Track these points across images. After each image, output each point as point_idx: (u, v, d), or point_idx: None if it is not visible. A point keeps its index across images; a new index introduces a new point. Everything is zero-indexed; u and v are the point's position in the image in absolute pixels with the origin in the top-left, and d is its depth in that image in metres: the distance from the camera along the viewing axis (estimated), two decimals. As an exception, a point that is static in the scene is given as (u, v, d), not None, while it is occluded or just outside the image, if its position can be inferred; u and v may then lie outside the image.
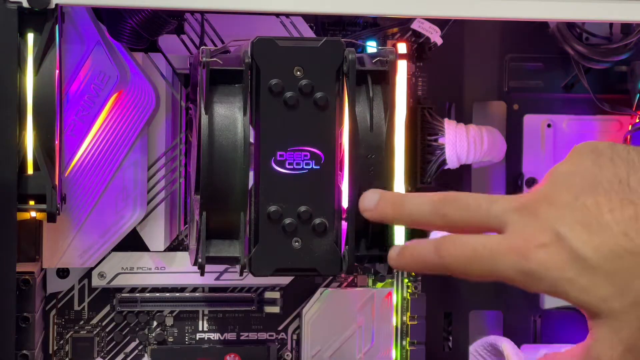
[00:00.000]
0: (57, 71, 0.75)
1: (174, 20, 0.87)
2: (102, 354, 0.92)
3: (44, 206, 0.75)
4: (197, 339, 0.93)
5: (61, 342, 0.91)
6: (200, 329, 0.93)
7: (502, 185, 0.99)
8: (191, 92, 0.84)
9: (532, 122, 0.98)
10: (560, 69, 0.98)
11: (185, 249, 0.91)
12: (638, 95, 0.96)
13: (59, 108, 0.76)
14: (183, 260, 0.90)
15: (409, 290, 0.95)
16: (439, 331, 0.97)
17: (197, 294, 0.92)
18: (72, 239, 0.87)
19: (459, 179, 0.96)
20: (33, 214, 0.78)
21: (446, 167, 0.92)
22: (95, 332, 0.92)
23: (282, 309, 0.93)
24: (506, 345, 0.95)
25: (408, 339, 0.95)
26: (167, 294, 0.92)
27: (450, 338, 0.97)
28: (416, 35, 0.92)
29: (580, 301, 0.55)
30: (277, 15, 0.89)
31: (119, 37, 0.84)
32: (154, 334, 0.92)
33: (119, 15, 0.83)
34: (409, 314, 0.94)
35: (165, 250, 0.90)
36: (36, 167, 0.74)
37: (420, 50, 0.93)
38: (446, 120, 0.92)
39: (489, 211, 0.58)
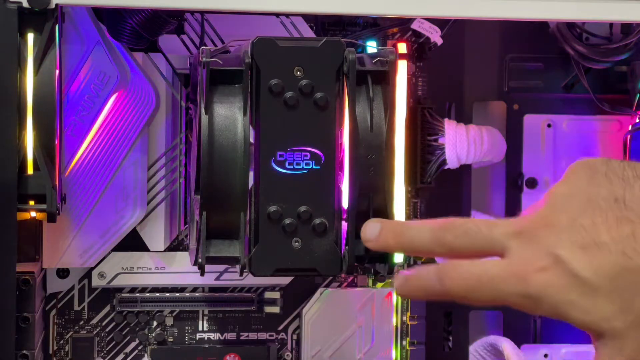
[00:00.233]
0: (57, 71, 0.75)
1: (174, 20, 0.87)
2: (102, 354, 0.92)
3: (44, 206, 0.75)
4: (197, 339, 0.93)
5: (61, 342, 0.91)
6: (200, 329, 0.93)
7: (502, 185, 0.99)
8: (191, 92, 0.84)
9: (532, 122, 0.98)
10: (560, 69, 0.98)
11: (185, 249, 0.91)
12: (638, 95, 0.96)
13: (59, 108, 0.76)
14: (183, 260, 0.90)
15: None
16: (439, 331, 0.97)
17: (197, 294, 0.92)
18: (72, 239, 0.87)
19: (459, 179, 0.96)
20: (33, 214, 0.78)
21: (446, 167, 0.92)
22: (95, 332, 0.92)
23: (282, 309, 0.93)
24: (506, 345, 0.95)
25: (408, 339, 0.95)
26: (167, 294, 0.92)
27: (450, 338, 0.97)
28: (416, 35, 0.92)
29: (583, 322, 0.55)
30: (277, 15, 0.89)
31: (119, 37, 0.84)
32: (154, 334, 0.92)
33: (119, 15, 0.83)
34: (409, 314, 0.94)
35: (165, 250, 0.90)
36: (36, 167, 0.74)
37: (420, 50, 0.93)
38: (446, 120, 0.92)
39: (489, 236, 0.59)
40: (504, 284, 0.57)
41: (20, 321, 0.82)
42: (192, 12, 0.89)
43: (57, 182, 0.75)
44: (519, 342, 0.97)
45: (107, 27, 0.84)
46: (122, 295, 0.91)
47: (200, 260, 0.74)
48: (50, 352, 0.91)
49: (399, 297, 0.94)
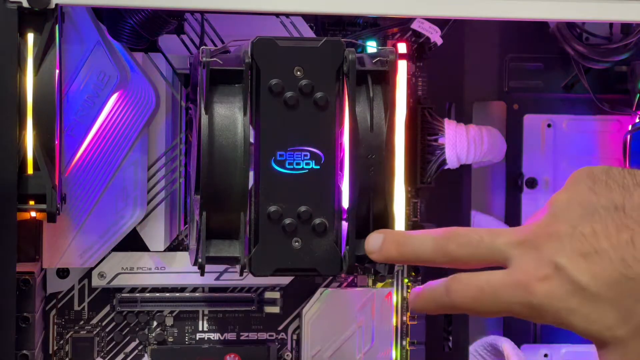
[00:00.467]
0: (57, 71, 0.75)
1: (174, 20, 0.87)
2: (102, 354, 0.92)
3: (44, 206, 0.75)
4: (197, 339, 0.93)
5: (61, 342, 0.91)
6: (200, 329, 0.93)
7: (502, 185, 0.99)
8: (191, 92, 0.84)
9: (532, 122, 0.98)
10: (560, 69, 0.98)
11: (185, 249, 0.91)
12: (638, 95, 0.96)
13: (59, 108, 0.76)
14: (183, 260, 0.90)
15: (409, 290, 0.95)
16: (439, 331, 0.97)
17: (197, 294, 0.92)
18: (72, 239, 0.87)
19: (459, 179, 0.96)
20: (33, 214, 0.78)
21: (446, 167, 0.92)
22: (95, 332, 0.92)
23: (282, 309, 0.93)
24: (506, 345, 0.95)
25: (408, 339, 0.95)
26: (167, 294, 0.92)
27: (450, 338, 0.97)
28: (416, 35, 0.92)
29: (586, 330, 0.55)
30: (277, 15, 0.89)
31: (119, 37, 0.84)
32: (154, 334, 0.92)
33: (119, 15, 0.83)
34: (409, 314, 0.94)
35: (165, 250, 0.90)
36: (36, 167, 0.74)
37: (420, 50, 0.93)
38: (446, 120, 0.92)
39: (492, 246, 0.59)
40: (507, 294, 0.57)
41: (20, 321, 0.82)
42: (192, 12, 0.89)
43: (57, 182, 0.75)
44: (519, 342, 0.97)
45: (107, 27, 0.84)
46: (122, 295, 0.91)
47: (200, 260, 0.74)
48: (50, 352, 0.91)
49: (399, 297, 0.94)
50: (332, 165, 0.74)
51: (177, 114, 0.90)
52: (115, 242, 0.88)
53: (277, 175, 0.74)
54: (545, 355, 0.99)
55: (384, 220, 0.75)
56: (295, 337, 0.94)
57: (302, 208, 0.74)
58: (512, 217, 0.99)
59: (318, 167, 0.74)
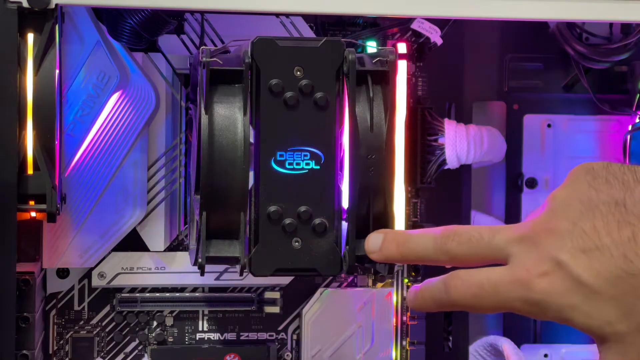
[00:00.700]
0: (57, 71, 0.75)
1: (174, 20, 0.87)
2: (102, 354, 0.92)
3: (44, 206, 0.75)
4: (197, 339, 0.93)
5: (61, 342, 0.91)
6: (200, 329, 0.93)
7: (502, 185, 0.99)
8: (191, 92, 0.84)
9: (532, 122, 0.98)
10: (560, 69, 0.98)
11: (185, 249, 0.91)
12: (638, 95, 0.96)
13: (59, 108, 0.76)
14: (183, 260, 0.90)
15: (408, 289, 0.95)
16: (439, 331, 0.97)
17: (197, 294, 0.92)
18: (72, 239, 0.87)
19: (459, 179, 0.96)
20: (33, 214, 0.78)
21: (446, 167, 0.92)
22: (95, 332, 0.92)
23: (282, 309, 0.93)
24: (506, 345, 0.95)
25: (408, 339, 0.95)
26: (167, 294, 0.92)
27: (450, 338, 0.97)
28: (416, 35, 0.92)
29: (587, 327, 0.55)
30: (277, 15, 0.89)
31: (119, 37, 0.84)
32: (154, 334, 0.92)
33: (119, 15, 0.83)
34: (409, 314, 0.94)
35: (165, 250, 0.90)
36: (36, 167, 0.74)
37: (420, 50, 0.93)
38: (446, 120, 0.92)
39: (491, 243, 0.59)
40: (507, 290, 0.57)
41: (20, 321, 0.82)
42: (192, 12, 0.89)
43: (57, 182, 0.75)
44: (519, 342, 0.97)
45: (107, 27, 0.84)
46: (122, 295, 0.91)
47: (200, 260, 0.74)
48: (50, 352, 0.91)
49: (399, 297, 0.94)
50: (332, 165, 0.74)
51: (177, 114, 0.90)
52: (115, 242, 0.88)
53: (277, 175, 0.73)
54: (545, 355, 0.99)
55: (384, 220, 0.75)
56: (295, 337, 0.94)
57: (302, 208, 0.74)
58: (512, 217, 0.99)
59: (318, 167, 0.74)
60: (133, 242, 0.89)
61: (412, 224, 0.94)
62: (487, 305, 0.58)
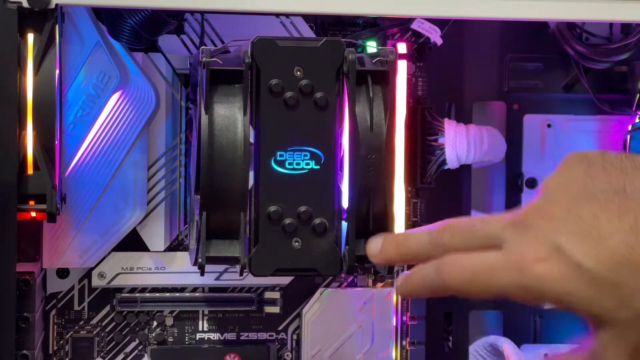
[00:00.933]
0: (57, 71, 0.75)
1: (174, 20, 0.87)
2: (102, 354, 0.92)
3: (44, 206, 0.75)
4: (197, 339, 0.93)
5: (61, 342, 0.91)
6: (200, 329, 0.93)
7: (502, 185, 0.99)
8: (191, 92, 0.84)
9: (532, 122, 0.98)
10: (560, 69, 0.98)
11: (185, 249, 0.91)
12: (638, 95, 0.96)
13: (59, 108, 0.76)
14: (183, 260, 0.90)
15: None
16: (439, 331, 0.97)
17: (197, 294, 0.92)
18: (72, 239, 0.87)
19: (459, 179, 0.96)
20: (33, 214, 0.78)
21: (446, 167, 0.92)
22: (95, 332, 0.92)
23: (282, 309, 0.93)
24: (506, 345, 0.95)
25: (408, 339, 0.95)
26: (167, 294, 0.92)
27: (450, 338, 0.97)
28: (416, 35, 0.92)
29: (586, 312, 0.55)
30: (277, 15, 0.89)
31: (119, 37, 0.84)
32: (154, 334, 0.92)
33: (119, 15, 0.83)
34: (409, 314, 0.94)
35: (165, 250, 0.90)
36: (36, 167, 0.74)
37: (420, 50, 0.93)
38: (446, 120, 0.92)
39: (485, 231, 0.59)
40: (502, 274, 0.56)
41: (20, 321, 0.82)
42: (192, 12, 0.89)
43: (57, 182, 0.75)
44: (519, 342, 0.97)
45: (107, 27, 0.84)
46: (122, 295, 0.91)
47: (200, 260, 0.74)
48: (50, 352, 0.91)
49: (399, 297, 0.94)
50: (332, 165, 0.74)
51: (177, 114, 0.90)
52: (115, 242, 0.88)
53: (277, 175, 0.73)
54: (546, 355, 0.99)
55: (384, 220, 0.75)
56: (295, 337, 0.94)
57: (302, 208, 0.74)
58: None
59: (318, 167, 0.74)
60: (133, 242, 0.89)
61: (412, 224, 0.94)
62: (480, 290, 0.58)
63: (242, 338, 0.94)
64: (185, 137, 0.90)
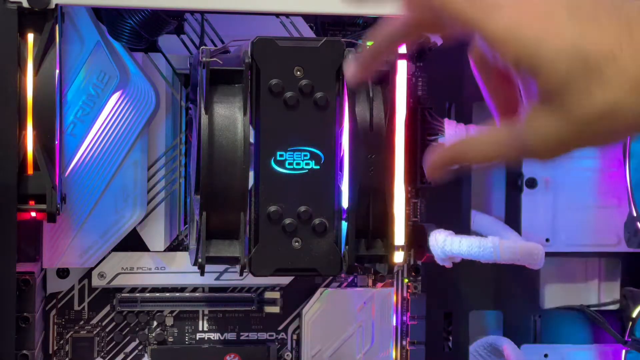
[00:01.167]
0: (57, 71, 0.75)
1: (174, 20, 0.87)
2: (102, 354, 0.92)
3: (44, 206, 0.75)
4: (197, 339, 0.93)
5: (61, 342, 0.91)
6: (200, 329, 0.93)
7: (502, 185, 0.99)
8: (191, 92, 0.84)
9: (532, 122, 0.98)
10: (560, 69, 0.97)
11: (185, 249, 0.91)
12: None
13: (59, 108, 0.76)
14: (183, 260, 0.90)
15: (409, 290, 0.95)
16: (439, 331, 0.97)
17: (197, 294, 0.92)
18: (72, 239, 0.87)
19: (459, 179, 0.96)
20: (33, 214, 0.78)
21: (446, 167, 0.91)
22: (95, 332, 0.92)
23: (282, 309, 0.93)
24: (506, 345, 0.95)
25: (408, 339, 0.95)
26: (167, 294, 0.92)
27: (450, 338, 0.97)
28: (416, 35, 0.92)
29: (548, 82, 0.51)
30: (277, 15, 0.89)
31: (119, 37, 0.84)
32: (154, 334, 0.92)
33: (119, 15, 0.83)
34: (409, 314, 0.94)
35: (165, 250, 0.90)
36: (36, 167, 0.74)
37: (420, 50, 0.93)
38: (446, 120, 0.92)
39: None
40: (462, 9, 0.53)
41: (20, 321, 0.82)
42: (192, 12, 0.89)
43: (57, 182, 0.75)
44: (519, 342, 0.97)
45: (107, 27, 0.84)
46: (122, 295, 0.91)
47: (200, 260, 0.74)
48: (50, 352, 0.91)
49: (399, 297, 0.94)
50: (332, 165, 0.74)
51: (177, 114, 0.90)
52: (115, 242, 0.88)
53: (277, 175, 0.74)
54: (546, 355, 0.99)
55: (384, 220, 0.75)
56: (295, 337, 0.94)
57: (302, 208, 0.74)
58: (512, 217, 0.99)
59: (318, 167, 0.74)
60: (133, 242, 0.89)
61: (412, 224, 0.94)
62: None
63: (242, 338, 0.94)
64: (185, 137, 0.90)
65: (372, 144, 0.75)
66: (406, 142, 0.86)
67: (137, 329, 0.92)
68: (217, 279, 0.91)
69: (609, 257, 1.02)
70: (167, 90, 0.89)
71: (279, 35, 0.80)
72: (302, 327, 0.93)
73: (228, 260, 0.75)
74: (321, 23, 0.92)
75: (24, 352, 0.82)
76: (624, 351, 0.97)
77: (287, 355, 0.94)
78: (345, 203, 0.75)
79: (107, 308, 0.92)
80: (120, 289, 0.91)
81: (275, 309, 0.92)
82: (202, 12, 0.88)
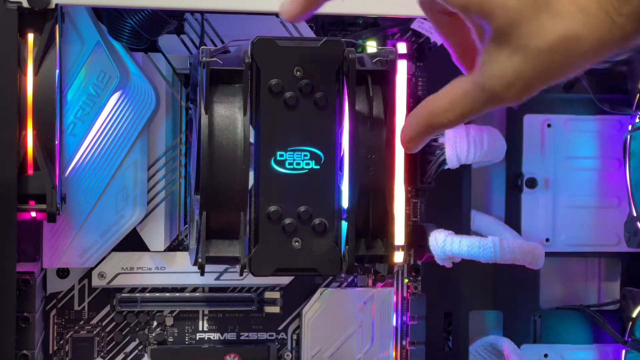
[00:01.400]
0: (57, 71, 0.75)
1: (174, 20, 0.87)
2: (102, 354, 0.92)
3: (44, 206, 0.75)
4: (197, 339, 0.93)
5: (61, 342, 0.91)
6: (200, 329, 0.93)
7: (502, 185, 0.99)
8: (191, 92, 0.84)
9: (532, 122, 0.98)
10: (560, 69, 0.97)
11: (185, 249, 0.91)
12: (638, 95, 0.96)
13: (59, 108, 0.76)
14: (183, 260, 0.90)
15: (409, 290, 0.95)
16: (439, 331, 0.97)
17: (197, 294, 0.92)
18: (72, 239, 0.87)
19: (459, 179, 0.96)
20: (33, 214, 0.79)
21: (446, 167, 0.92)
22: (95, 332, 0.92)
23: (282, 309, 0.93)
24: (506, 345, 0.95)
25: (408, 339, 0.95)
26: (167, 294, 0.92)
27: (450, 338, 0.97)
28: (416, 35, 0.92)
29: (503, 27, 0.52)
30: (277, 15, 0.88)
31: (119, 37, 0.84)
32: (154, 334, 0.92)
33: (119, 15, 0.83)
34: (409, 314, 0.94)
35: (165, 250, 0.90)
36: (36, 167, 0.74)
37: (420, 50, 0.93)
38: (446, 120, 0.92)
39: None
40: None
41: (20, 321, 0.82)
42: (192, 12, 0.89)
43: (57, 182, 0.75)
44: (519, 342, 0.97)
45: (107, 27, 0.84)
46: (122, 295, 0.91)
47: (200, 260, 0.74)
48: (50, 352, 0.91)
49: (399, 297, 0.94)
50: (332, 165, 0.74)
51: (177, 114, 0.90)
52: (115, 242, 0.88)
53: (277, 175, 0.73)
54: (546, 355, 0.99)
55: (384, 220, 0.75)
56: (295, 337, 0.94)
57: (302, 208, 0.74)
58: (512, 217, 0.99)
59: (318, 167, 0.74)
60: (133, 242, 0.89)
61: (412, 224, 0.94)
62: None
63: (242, 338, 0.94)
64: (185, 137, 0.90)
65: (372, 144, 0.75)
66: (406, 142, 0.86)
67: (137, 329, 0.92)
68: (217, 279, 0.91)
69: (609, 257, 1.02)
70: (167, 90, 0.89)
71: (279, 35, 0.80)
72: (302, 327, 0.93)
73: (228, 260, 0.75)
74: (321, 23, 0.92)
75: (24, 352, 0.82)
76: (624, 351, 0.97)
77: (287, 355, 0.94)
78: (345, 203, 0.75)
79: (107, 308, 0.92)
80: (120, 289, 0.91)
81: (275, 309, 0.92)
82: (202, 12, 0.88)
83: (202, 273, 0.75)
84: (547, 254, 0.90)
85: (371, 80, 0.75)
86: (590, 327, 1.00)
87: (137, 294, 0.91)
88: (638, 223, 0.94)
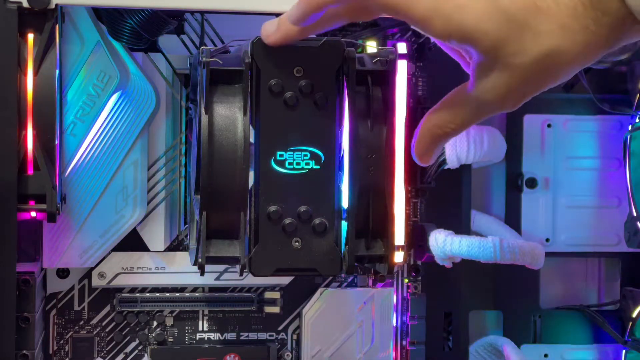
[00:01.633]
0: (57, 71, 0.75)
1: (174, 20, 0.87)
2: (102, 354, 0.92)
3: (44, 206, 0.75)
4: (197, 339, 0.93)
5: (61, 342, 0.91)
6: (200, 329, 0.93)
7: (502, 185, 0.99)
8: (191, 92, 0.84)
9: (532, 122, 0.98)
10: (560, 69, 0.97)
11: (185, 249, 0.91)
12: (638, 95, 0.96)
13: (59, 108, 0.76)
14: (183, 260, 0.90)
15: (409, 290, 0.95)
16: (439, 331, 0.97)
17: (197, 294, 0.92)
18: (72, 239, 0.87)
19: (459, 179, 0.96)
20: (33, 214, 0.79)
21: (446, 167, 0.92)
22: (95, 332, 0.92)
23: (282, 309, 0.93)
24: (506, 345, 0.95)
25: (408, 339, 0.95)
26: (167, 294, 0.92)
27: (450, 338, 0.97)
28: (416, 35, 0.92)
29: (487, 50, 0.55)
30: (277, 15, 0.88)
31: (119, 37, 0.84)
32: (154, 334, 0.92)
33: (119, 15, 0.83)
34: (409, 314, 0.94)
35: (165, 250, 0.91)
36: (36, 167, 0.74)
37: (420, 50, 0.93)
38: (446, 120, 0.92)
39: None
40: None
41: (20, 321, 0.82)
42: (192, 12, 0.89)
43: (57, 182, 0.75)
44: (519, 342, 0.97)
45: (107, 27, 0.84)
46: (122, 295, 0.91)
47: (200, 260, 0.74)
48: (50, 352, 0.91)
49: (399, 297, 0.94)
50: (332, 165, 0.74)
51: (177, 114, 0.90)
52: (115, 242, 0.88)
53: (277, 175, 0.73)
54: (546, 355, 0.99)
55: (384, 220, 0.75)
56: (295, 337, 0.94)
57: (302, 208, 0.74)
58: (512, 217, 0.99)
59: (318, 167, 0.74)
60: (133, 242, 0.89)
61: (412, 224, 0.94)
62: (401, 12, 0.58)
63: (242, 338, 0.94)
64: (185, 137, 0.90)
65: (372, 144, 0.75)
66: (406, 142, 0.86)
67: (137, 329, 0.92)
68: (217, 279, 0.91)
69: (609, 257, 1.02)
70: (167, 90, 0.89)
71: (279, 35, 0.80)
72: (302, 327, 0.93)
73: (228, 260, 0.75)
74: (321, 23, 0.92)
75: (24, 352, 0.82)
76: (624, 351, 0.97)
77: (287, 355, 0.94)
78: (345, 203, 0.75)
79: (107, 308, 0.92)
80: (120, 289, 0.91)
81: (275, 309, 0.92)
82: (202, 12, 0.88)
83: (202, 273, 0.74)
84: (547, 254, 0.90)
85: (371, 81, 0.75)
86: (590, 327, 1.00)
87: (137, 294, 0.91)
88: (638, 223, 0.94)
